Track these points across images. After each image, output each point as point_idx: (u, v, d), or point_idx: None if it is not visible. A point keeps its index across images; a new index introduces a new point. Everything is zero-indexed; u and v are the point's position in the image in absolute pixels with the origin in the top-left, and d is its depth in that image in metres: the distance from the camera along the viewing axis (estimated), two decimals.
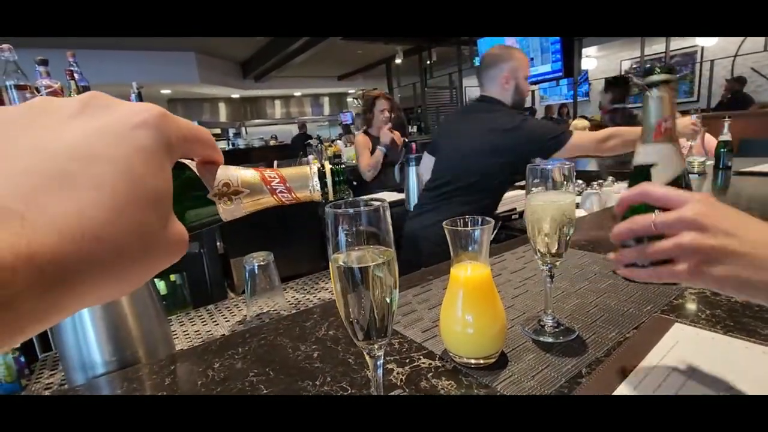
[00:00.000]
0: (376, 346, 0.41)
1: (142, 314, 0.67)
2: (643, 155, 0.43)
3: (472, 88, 8.52)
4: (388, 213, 0.38)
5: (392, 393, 0.49)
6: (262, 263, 0.93)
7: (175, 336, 0.90)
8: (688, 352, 0.50)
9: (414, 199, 2.13)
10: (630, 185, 0.43)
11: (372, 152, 2.65)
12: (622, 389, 0.45)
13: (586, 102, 9.01)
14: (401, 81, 9.49)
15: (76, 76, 1.95)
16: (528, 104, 6.79)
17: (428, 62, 8.13)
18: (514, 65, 1.54)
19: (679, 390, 0.44)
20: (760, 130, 3.57)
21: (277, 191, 0.29)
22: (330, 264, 0.38)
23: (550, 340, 0.57)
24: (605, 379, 0.48)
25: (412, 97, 10.19)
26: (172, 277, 2.46)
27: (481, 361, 0.52)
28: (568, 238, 0.55)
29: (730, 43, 6.39)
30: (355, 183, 4.03)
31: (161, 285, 2.44)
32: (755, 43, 5.97)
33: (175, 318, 1.02)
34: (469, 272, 0.51)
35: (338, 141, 5.05)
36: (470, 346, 0.52)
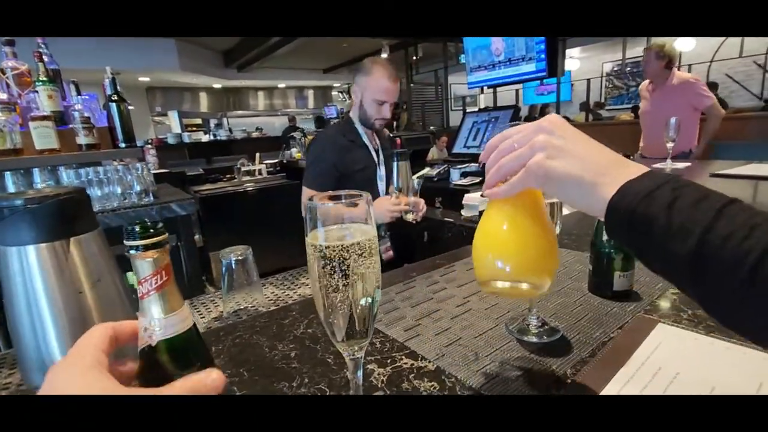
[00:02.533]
0: (356, 347, 0.39)
1: (108, 310, 0.63)
2: None
3: (456, 86, 8.55)
4: (372, 208, 0.36)
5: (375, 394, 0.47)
6: (239, 257, 0.89)
7: None
8: (672, 354, 0.50)
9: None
10: (594, 233, 0.62)
11: None
12: (609, 390, 0.45)
13: (568, 103, 9.15)
14: None
15: (45, 58, 1.86)
16: (512, 102, 6.82)
17: (414, 57, 8.11)
18: (365, 83, 1.44)
19: (665, 391, 0.43)
20: (735, 134, 3.69)
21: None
22: (307, 247, 0.36)
23: (535, 339, 0.56)
24: (591, 379, 0.47)
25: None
26: None
27: (534, 284, 0.42)
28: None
29: (707, 49, 6.57)
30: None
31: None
32: (731, 48, 6.16)
33: None
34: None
35: None
36: (526, 259, 0.41)
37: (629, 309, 0.62)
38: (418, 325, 0.62)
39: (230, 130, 9.01)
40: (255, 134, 8.68)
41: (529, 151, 0.37)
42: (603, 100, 8.41)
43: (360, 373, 0.40)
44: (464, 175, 2.25)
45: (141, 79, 8.84)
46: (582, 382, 0.47)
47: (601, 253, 0.66)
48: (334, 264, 0.34)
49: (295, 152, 4.68)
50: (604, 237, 0.66)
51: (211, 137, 8.18)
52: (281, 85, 11.75)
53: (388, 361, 0.54)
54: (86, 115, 1.86)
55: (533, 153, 0.36)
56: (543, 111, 8.03)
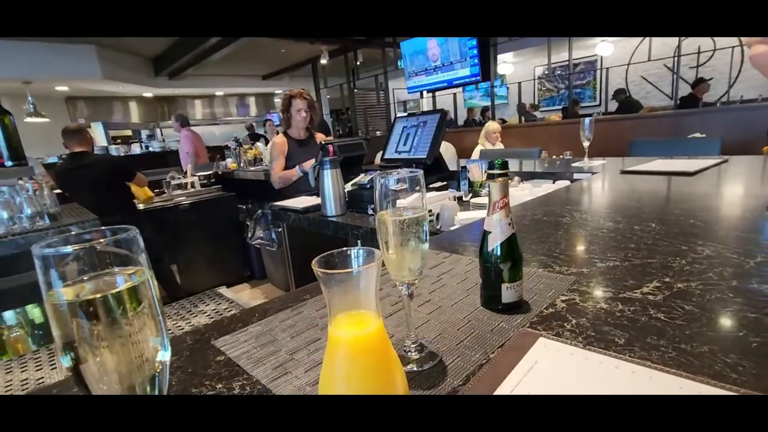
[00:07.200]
0: None
1: None
2: (486, 224, 0.62)
3: (399, 90, 8.63)
4: (140, 239, 0.29)
5: None
6: None
7: None
8: (546, 373, 0.47)
9: (331, 204, 2.00)
10: (480, 244, 0.63)
11: (288, 157, 2.49)
12: None
13: (505, 105, 9.55)
14: (328, 82, 9.35)
15: None
16: (451, 105, 7.00)
17: (356, 62, 8.09)
18: None
19: None
20: (649, 132, 3.98)
21: None
22: (47, 306, 0.28)
23: (413, 368, 0.51)
24: None
25: (340, 99, 10.06)
26: None
27: None
28: (423, 259, 0.50)
29: (624, 53, 7.14)
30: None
31: (35, 312, 2.11)
32: (642, 53, 6.71)
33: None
34: (353, 332, 0.36)
35: (259, 143, 4.80)
36: None
37: (516, 322, 0.59)
38: (290, 360, 0.55)
39: (164, 140, 8.49)
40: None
41: None
42: (537, 102, 8.86)
43: None
44: (397, 181, 2.22)
45: (58, 88, 8.10)
46: None
47: (488, 266, 0.63)
48: (93, 302, 0.27)
49: (230, 162, 4.47)
50: (489, 248, 0.62)
51: (144, 149, 7.67)
52: (219, 93, 11.27)
53: None
54: None
55: None
56: (483, 113, 8.31)
